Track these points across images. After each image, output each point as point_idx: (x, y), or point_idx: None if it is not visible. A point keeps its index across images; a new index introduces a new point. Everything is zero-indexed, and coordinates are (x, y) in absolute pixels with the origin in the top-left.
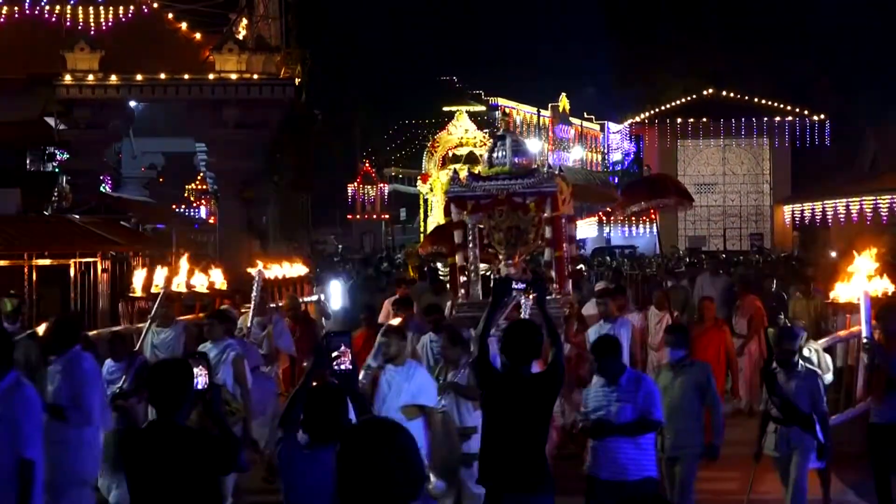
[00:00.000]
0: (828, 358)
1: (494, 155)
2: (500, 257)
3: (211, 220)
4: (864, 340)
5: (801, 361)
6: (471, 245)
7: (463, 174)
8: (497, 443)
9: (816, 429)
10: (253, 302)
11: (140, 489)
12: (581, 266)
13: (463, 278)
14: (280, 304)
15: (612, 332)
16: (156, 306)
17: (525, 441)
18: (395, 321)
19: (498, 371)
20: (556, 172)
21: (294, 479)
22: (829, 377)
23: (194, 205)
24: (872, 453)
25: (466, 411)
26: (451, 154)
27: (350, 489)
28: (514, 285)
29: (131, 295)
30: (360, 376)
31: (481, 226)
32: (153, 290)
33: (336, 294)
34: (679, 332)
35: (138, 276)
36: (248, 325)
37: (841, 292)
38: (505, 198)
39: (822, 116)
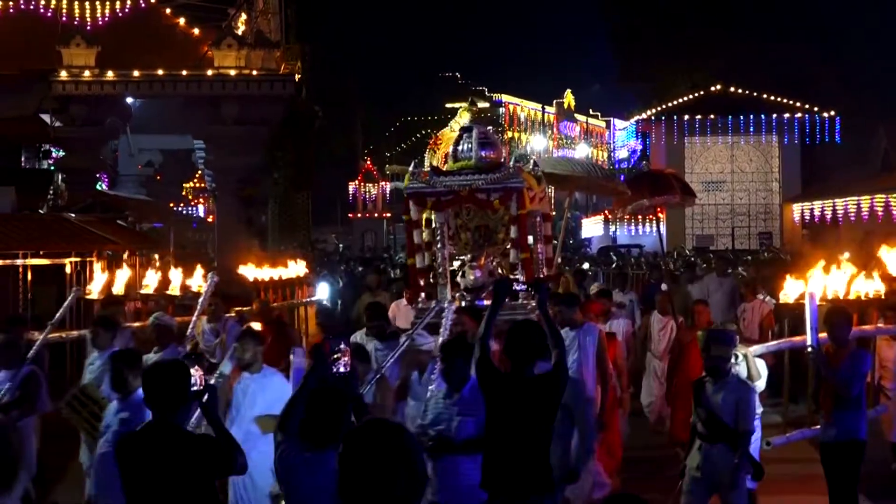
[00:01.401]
0: (760, 364)
1: (459, 148)
2: (465, 259)
3: (209, 219)
4: (809, 349)
5: (733, 370)
6: (438, 245)
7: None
8: (499, 447)
9: (750, 447)
10: (199, 307)
11: (136, 492)
12: (587, 265)
13: (421, 281)
14: (242, 310)
15: (577, 339)
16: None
17: (528, 445)
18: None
19: (501, 372)
20: (523, 166)
21: (295, 483)
22: (760, 385)
23: (192, 203)
24: (827, 476)
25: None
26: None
27: (352, 492)
28: (515, 287)
29: (87, 297)
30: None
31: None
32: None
33: (323, 295)
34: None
35: (98, 280)
36: (201, 331)
37: (791, 292)
38: (467, 194)
39: (833, 113)
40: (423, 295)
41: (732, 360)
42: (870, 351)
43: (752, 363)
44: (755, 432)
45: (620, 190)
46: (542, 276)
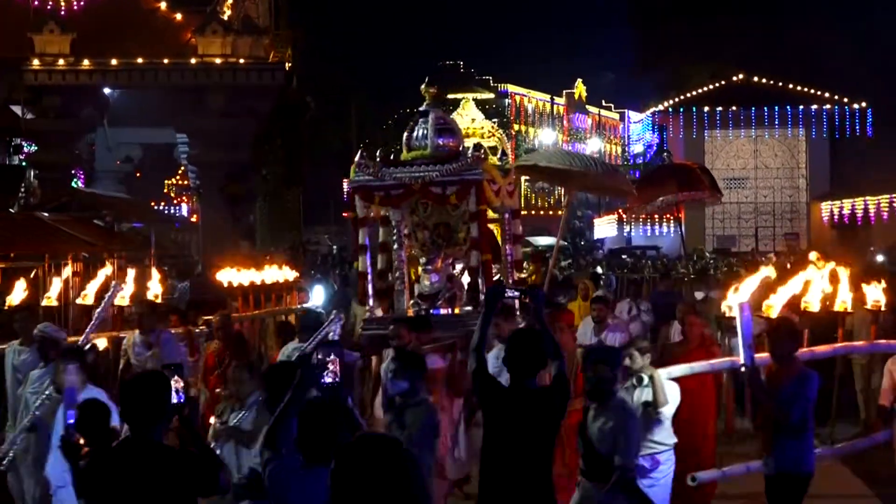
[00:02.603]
0: (672, 389)
1: (414, 135)
2: (421, 261)
3: (193, 219)
4: (742, 369)
5: (634, 394)
6: (395, 246)
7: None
8: (499, 463)
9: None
10: (95, 319)
11: None
12: (598, 269)
13: (370, 287)
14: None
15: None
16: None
17: (530, 461)
18: None
19: (501, 385)
20: (483, 156)
21: (287, 500)
22: (667, 412)
23: (175, 202)
24: None
25: (247, 457)
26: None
27: None
28: (507, 293)
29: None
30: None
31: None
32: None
33: (319, 301)
34: (404, 359)
35: (55, 286)
36: (132, 343)
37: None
38: (420, 188)
39: (864, 104)
40: (370, 303)
41: (631, 383)
42: (817, 371)
43: (659, 387)
44: (633, 468)
45: (625, 188)
46: (512, 279)
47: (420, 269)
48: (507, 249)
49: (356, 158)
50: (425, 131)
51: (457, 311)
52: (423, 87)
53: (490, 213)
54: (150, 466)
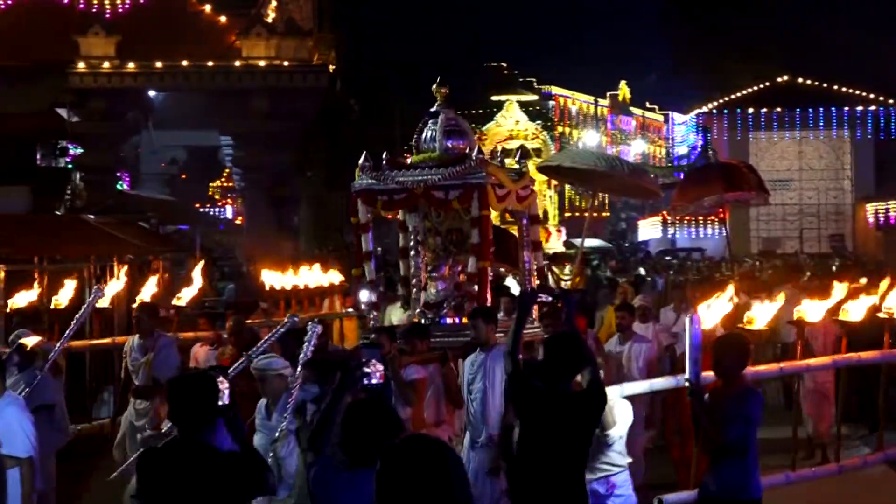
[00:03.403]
0: (623, 409)
1: (423, 137)
2: (423, 269)
3: (238, 221)
4: (687, 385)
5: None
6: (412, 253)
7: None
8: (534, 465)
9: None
10: (74, 325)
11: None
12: (641, 270)
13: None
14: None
15: (484, 364)
16: None
17: (565, 464)
18: None
19: (538, 388)
20: (487, 159)
21: (331, 501)
22: (614, 434)
23: (219, 204)
24: None
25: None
26: (500, 148)
27: None
28: (541, 297)
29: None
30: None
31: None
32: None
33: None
34: (315, 366)
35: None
36: (130, 347)
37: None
38: (423, 192)
39: None
40: (374, 313)
41: None
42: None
43: (606, 408)
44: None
45: (652, 188)
46: (529, 288)
47: (426, 276)
48: (525, 257)
49: (360, 161)
50: (434, 133)
51: (465, 320)
52: (434, 86)
53: (507, 218)
54: (199, 468)
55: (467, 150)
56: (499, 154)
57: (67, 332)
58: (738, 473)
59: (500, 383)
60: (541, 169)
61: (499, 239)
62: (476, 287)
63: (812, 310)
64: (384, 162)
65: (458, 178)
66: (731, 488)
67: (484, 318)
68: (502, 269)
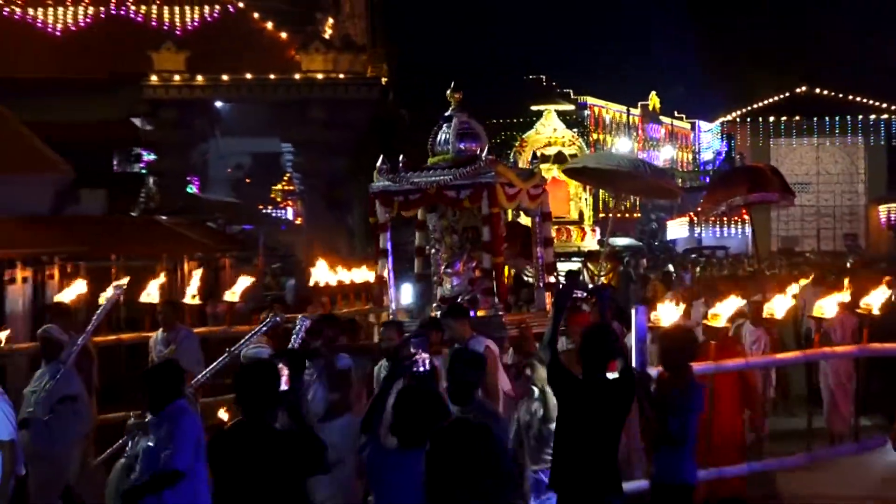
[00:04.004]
0: None
1: (437, 140)
2: (442, 265)
3: (298, 221)
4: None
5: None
6: (432, 250)
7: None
8: (572, 448)
9: None
10: (95, 321)
11: (227, 491)
12: (670, 266)
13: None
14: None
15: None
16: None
17: (601, 447)
18: None
19: (575, 376)
20: (496, 159)
21: (383, 481)
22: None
23: (281, 206)
24: None
25: None
26: (539, 154)
27: (439, 491)
28: (576, 293)
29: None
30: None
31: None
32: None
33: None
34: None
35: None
36: (155, 340)
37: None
38: (435, 192)
39: None
40: (392, 305)
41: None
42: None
43: (550, 400)
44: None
45: (673, 189)
46: (544, 282)
47: (442, 272)
48: (538, 252)
49: (378, 164)
50: (447, 136)
51: (481, 312)
52: (448, 92)
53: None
54: (263, 448)
55: (479, 152)
56: (538, 158)
57: (90, 325)
58: (676, 460)
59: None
60: (567, 171)
61: (519, 234)
62: (493, 282)
63: (828, 305)
64: (401, 164)
65: (469, 178)
66: (668, 474)
67: (453, 316)
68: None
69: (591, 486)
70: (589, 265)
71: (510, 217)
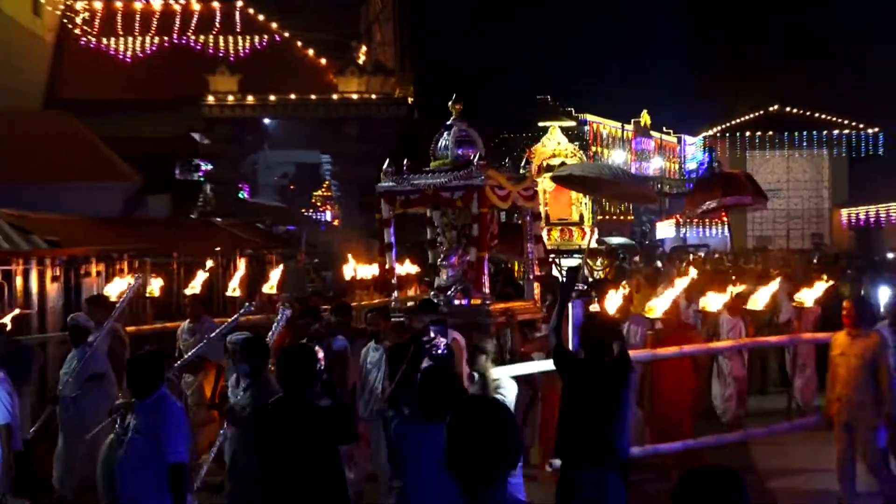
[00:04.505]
0: (507, 388)
1: (438, 146)
2: (439, 257)
3: (335, 223)
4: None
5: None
6: (438, 244)
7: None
8: (575, 423)
9: None
10: (115, 311)
11: (271, 459)
12: (658, 262)
13: (394, 280)
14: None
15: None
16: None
17: (600, 421)
18: None
19: (578, 359)
20: (486, 164)
21: (409, 451)
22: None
23: (320, 209)
24: None
25: None
26: (545, 164)
27: (458, 460)
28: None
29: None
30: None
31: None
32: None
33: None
34: (246, 345)
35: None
36: (181, 330)
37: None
38: (432, 193)
39: (876, 129)
40: (395, 293)
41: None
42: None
43: (489, 387)
44: None
45: (649, 195)
46: (534, 275)
47: (439, 264)
48: (529, 248)
49: (384, 167)
50: (447, 142)
51: (474, 301)
52: (449, 103)
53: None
54: (303, 420)
55: (474, 157)
56: (544, 167)
57: (113, 313)
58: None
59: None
60: (555, 178)
61: (522, 233)
62: (478, 273)
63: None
64: (404, 167)
65: (461, 181)
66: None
67: (423, 310)
68: (501, 256)
69: (591, 453)
70: (588, 261)
71: (500, 218)
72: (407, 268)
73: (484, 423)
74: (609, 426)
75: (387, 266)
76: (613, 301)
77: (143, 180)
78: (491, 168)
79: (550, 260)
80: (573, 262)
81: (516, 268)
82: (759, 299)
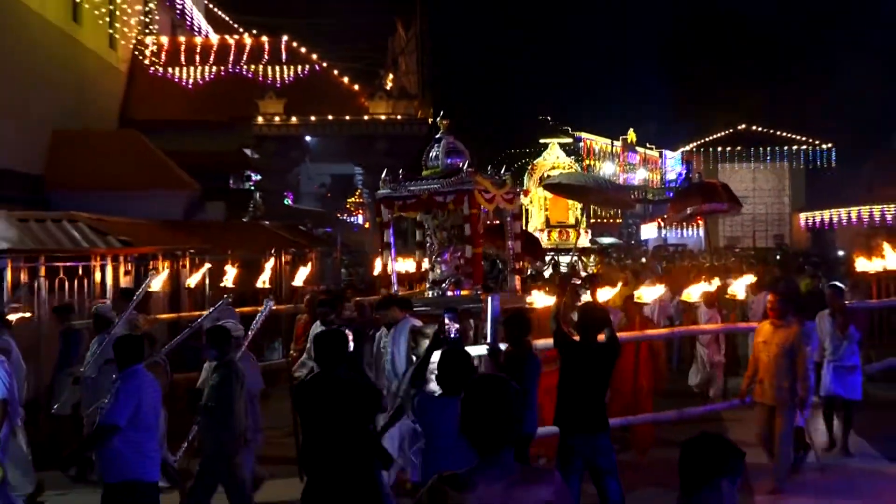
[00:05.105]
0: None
1: (430, 156)
2: (433, 255)
3: (366, 225)
4: (487, 348)
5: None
6: (427, 244)
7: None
8: (571, 395)
9: None
10: (136, 297)
11: (310, 426)
12: (643, 259)
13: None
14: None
15: (392, 336)
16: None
17: (593, 393)
18: None
19: (574, 341)
20: (474, 171)
21: (430, 422)
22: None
23: (353, 213)
24: None
25: None
26: (545, 175)
27: (471, 428)
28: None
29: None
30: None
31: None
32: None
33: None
34: (211, 333)
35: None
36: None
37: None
38: (427, 198)
39: (829, 145)
40: (394, 289)
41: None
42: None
43: (425, 369)
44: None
45: (629, 201)
46: (515, 266)
47: (434, 260)
48: (510, 244)
49: (382, 176)
50: (437, 153)
51: (464, 292)
52: (438, 118)
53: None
54: (336, 393)
55: (461, 165)
56: (545, 178)
57: (129, 305)
58: (528, 419)
59: (403, 346)
60: (546, 186)
61: (519, 234)
62: (472, 268)
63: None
64: (401, 176)
65: (452, 187)
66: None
67: (398, 306)
68: (490, 252)
69: (585, 421)
70: (582, 258)
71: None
72: (408, 266)
73: (493, 398)
74: (600, 398)
75: (385, 263)
76: (604, 293)
77: (202, 189)
78: (478, 174)
79: (550, 256)
80: (568, 258)
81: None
82: (738, 291)
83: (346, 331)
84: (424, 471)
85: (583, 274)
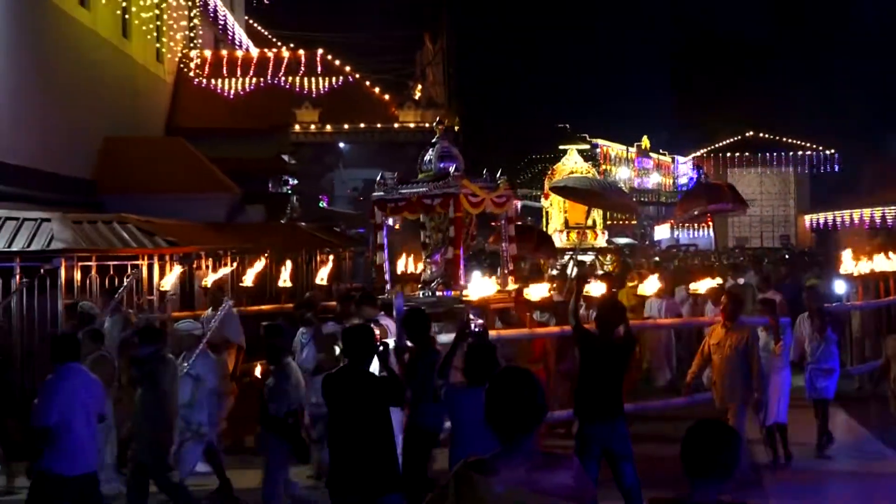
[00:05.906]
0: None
1: (424, 160)
2: (425, 255)
3: (396, 227)
4: (392, 346)
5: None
6: (428, 244)
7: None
8: (591, 386)
9: None
10: (114, 299)
11: (337, 415)
12: (656, 259)
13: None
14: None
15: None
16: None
17: (611, 384)
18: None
19: (594, 336)
20: (461, 175)
21: (457, 411)
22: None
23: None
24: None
25: None
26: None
27: (496, 417)
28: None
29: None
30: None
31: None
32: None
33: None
34: (145, 331)
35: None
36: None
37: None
38: (416, 201)
39: (833, 150)
40: (388, 287)
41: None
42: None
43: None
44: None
45: (631, 205)
46: (508, 269)
47: (424, 261)
48: (504, 247)
49: (377, 179)
50: (431, 157)
51: (455, 293)
52: (434, 123)
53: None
54: (362, 385)
55: (453, 170)
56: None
57: (111, 302)
58: (423, 410)
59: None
60: (553, 188)
61: (533, 234)
62: (455, 268)
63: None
64: (394, 180)
65: (439, 190)
66: (421, 420)
67: (367, 303)
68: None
69: (603, 409)
70: (599, 257)
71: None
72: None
73: (515, 388)
74: (618, 388)
75: (380, 264)
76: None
77: (243, 193)
78: (465, 178)
79: (569, 256)
80: (588, 258)
81: (542, 262)
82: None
83: (372, 325)
84: (452, 457)
85: (599, 272)
